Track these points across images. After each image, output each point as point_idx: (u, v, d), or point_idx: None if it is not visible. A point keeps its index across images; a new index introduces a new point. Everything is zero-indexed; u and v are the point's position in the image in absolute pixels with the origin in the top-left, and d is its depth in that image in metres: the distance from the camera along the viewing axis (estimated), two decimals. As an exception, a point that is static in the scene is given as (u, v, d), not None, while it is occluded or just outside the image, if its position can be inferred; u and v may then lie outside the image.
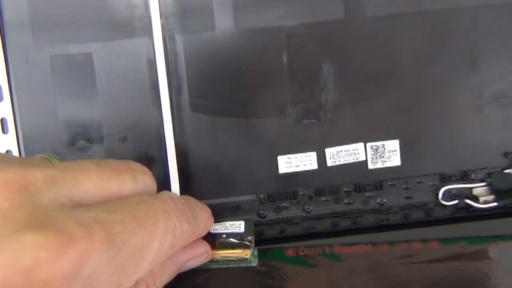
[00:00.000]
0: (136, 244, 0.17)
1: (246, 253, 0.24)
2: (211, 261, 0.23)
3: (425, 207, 0.27)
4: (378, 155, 0.26)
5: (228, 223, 0.25)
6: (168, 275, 0.21)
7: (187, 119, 0.26)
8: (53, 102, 0.26)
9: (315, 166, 0.27)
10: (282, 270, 0.23)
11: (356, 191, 0.27)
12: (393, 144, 0.26)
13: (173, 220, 0.19)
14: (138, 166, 0.21)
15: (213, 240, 0.24)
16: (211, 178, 0.27)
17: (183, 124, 0.26)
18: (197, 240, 0.22)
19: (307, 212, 0.27)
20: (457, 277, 0.22)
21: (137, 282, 0.19)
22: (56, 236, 0.15)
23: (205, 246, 0.23)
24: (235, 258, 0.24)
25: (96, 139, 0.26)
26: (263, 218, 0.27)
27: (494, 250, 0.24)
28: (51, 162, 0.19)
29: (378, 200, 0.27)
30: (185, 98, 0.26)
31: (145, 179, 0.20)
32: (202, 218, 0.22)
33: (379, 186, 0.27)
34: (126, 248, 0.16)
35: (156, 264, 0.19)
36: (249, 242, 0.24)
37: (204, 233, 0.23)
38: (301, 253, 0.24)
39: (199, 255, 0.22)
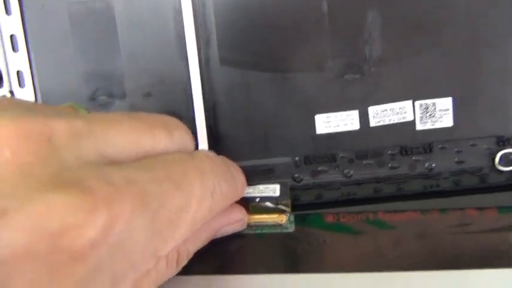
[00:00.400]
0: (172, 207, 0.15)
1: (281, 218, 0.22)
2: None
3: (480, 173, 0.24)
4: (428, 114, 0.24)
5: (261, 186, 0.23)
6: (201, 242, 0.19)
7: (217, 73, 0.24)
8: (72, 53, 0.24)
9: (356, 126, 0.24)
10: (321, 237, 0.21)
11: (402, 154, 0.24)
12: (445, 103, 0.24)
13: (212, 180, 0.17)
14: (175, 122, 0.18)
15: (246, 204, 0.22)
16: (243, 138, 0.24)
17: (212, 79, 0.24)
18: (233, 205, 0.20)
19: (346, 177, 0.25)
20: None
21: None
22: (85, 197, 0.13)
23: (242, 212, 0.21)
24: (270, 224, 0.22)
25: (118, 94, 0.24)
26: (298, 182, 0.25)
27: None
28: (78, 112, 0.17)
29: (426, 165, 0.24)
30: (214, 51, 0.24)
31: (182, 136, 0.18)
32: (239, 179, 0.20)
33: (428, 149, 0.24)
34: (162, 211, 0.15)
35: (193, 229, 0.17)
36: (285, 206, 0.22)
37: (240, 196, 0.21)
38: (342, 219, 0.22)
39: (236, 221, 0.21)
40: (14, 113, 0.14)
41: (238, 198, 0.21)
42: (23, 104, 0.16)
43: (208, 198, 0.17)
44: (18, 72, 0.24)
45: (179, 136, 0.18)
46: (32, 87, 0.24)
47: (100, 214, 0.13)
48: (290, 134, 0.24)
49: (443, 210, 0.22)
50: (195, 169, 0.16)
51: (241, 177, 0.20)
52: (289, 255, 0.21)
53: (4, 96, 0.24)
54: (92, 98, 0.25)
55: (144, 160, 0.16)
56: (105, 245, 0.13)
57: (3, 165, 0.13)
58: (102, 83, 0.24)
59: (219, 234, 0.20)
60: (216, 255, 0.20)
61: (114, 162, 0.15)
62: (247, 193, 0.22)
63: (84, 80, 0.24)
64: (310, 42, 0.24)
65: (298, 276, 0.20)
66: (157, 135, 0.17)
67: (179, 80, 0.24)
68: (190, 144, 0.19)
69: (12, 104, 0.15)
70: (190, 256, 0.19)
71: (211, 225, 0.19)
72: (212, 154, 0.19)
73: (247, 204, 0.22)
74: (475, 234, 0.21)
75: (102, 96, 0.25)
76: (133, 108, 0.25)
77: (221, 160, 0.19)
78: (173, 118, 0.19)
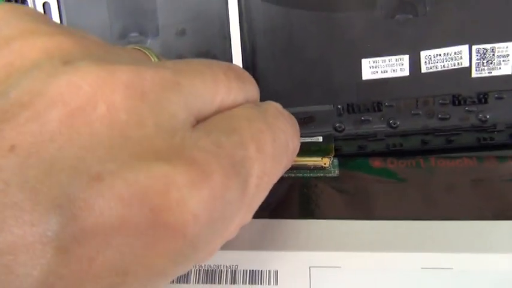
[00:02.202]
0: (258, 173, 0.13)
1: (324, 161, 0.20)
2: (287, 169, 0.20)
3: (539, 127, 0.22)
4: (486, 60, 0.22)
5: (303, 133, 0.22)
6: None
7: (257, 10, 0.22)
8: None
9: (406, 72, 0.22)
10: (368, 182, 0.20)
11: (454, 104, 0.23)
12: (505, 48, 0.22)
13: (286, 138, 0.15)
14: (244, 72, 0.17)
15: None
16: (282, 83, 0.23)
17: (252, 16, 0.22)
18: None
19: (392, 127, 0.23)
20: None
21: None
22: (189, 169, 0.11)
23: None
24: (312, 167, 0.20)
25: (151, 31, 0.23)
26: (340, 131, 0.23)
27: None
28: (151, 58, 0.15)
29: (480, 116, 0.22)
30: (255, -15, 0.22)
31: (251, 88, 0.16)
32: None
33: (483, 98, 0.22)
34: (251, 179, 0.13)
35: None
36: (329, 150, 0.21)
37: None
38: (390, 165, 0.21)
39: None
40: (101, 57, 0.12)
41: None
42: (96, 43, 0.14)
43: (284, 156, 0.15)
44: (44, 4, 0.23)
45: (249, 87, 0.16)
46: (59, 21, 0.23)
47: (205, 189, 0.11)
48: (333, 79, 0.23)
49: (501, 159, 0.21)
50: (273, 127, 0.15)
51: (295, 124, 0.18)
52: (333, 200, 0.19)
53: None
54: (123, 36, 0.23)
55: (224, 118, 0.14)
56: (207, 222, 0.12)
57: (97, 122, 0.11)
58: (133, 18, 0.23)
59: None
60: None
61: (198, 119, 0.13)
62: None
63: (114, 15, 0.23)
64: (359, -22, 0.22)
65: (341, 222, 0.19)
66: (232, 86, 0.15)
67: (216, 17, 0.23)
68: (257, 95, 0.17)
69: (87, 43, 0.13)
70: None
71: None
72: (281, 107, 0.17)
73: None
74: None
75: (134, 33, 0.23)
76: (166, 46, 0.23)
77: (288, 114, 0.17)
78: (241, 68, 0.17)
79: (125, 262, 0.10)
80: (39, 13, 0.14)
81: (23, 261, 0.09)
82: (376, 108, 0.23)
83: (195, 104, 0.13)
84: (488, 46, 0.22)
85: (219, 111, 0.14)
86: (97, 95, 0.11)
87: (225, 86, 0.14)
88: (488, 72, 0.22)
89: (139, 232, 0.10)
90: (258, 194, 0.14)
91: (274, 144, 0.14)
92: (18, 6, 0.14)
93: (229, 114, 0.14)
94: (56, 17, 0.23)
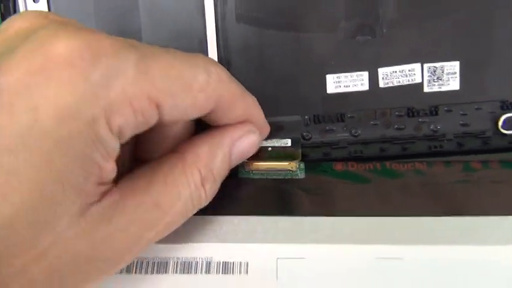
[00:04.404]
0: (162, 59, 0.17)
1: (292, 165, 0.22)
2: (258, 171, 0.22)
3: (483, 136, 0.25)
4: (436, 77, 0.25)
5: (274, 139, 0.24)
6: (219, 160, 0.19)
7: (232, 31, 0.25)
8: (90, 8, 0.25)
9: (366, 87, 0.25)
10: (331, 183, 0.22)
11: (408, 116, 0.25)
12: (453, 66, 0.25)
13: (205, 60, 0.18)
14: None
15: (258, 152, 0.23)
16: (255, 95, 0.25)
17: (227, 36, 0.25)
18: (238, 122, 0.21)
19: (354, 136, 0.25)
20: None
21: (185, 167, 0.18)
22: (79, 28, 0.15)
23: (249, 125, 0.21)
24: (281, 170, 0.22)
25: (135, 48, 0.25)
26: (307, 140, 0.25)
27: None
28: None
29: (432, 126, 0.25)
30: (231, 7, 0.25)
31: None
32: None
33: (434, 111, 0.25)
34: (149, 59, 0.16)
35: (196, 99, 0.18)
36: (296, 154, 0.23)
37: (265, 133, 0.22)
38: (350, 168, 0.23)
39: (245, 132, 0.21)
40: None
41: (252, 117, 0.21)
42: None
43: (202, 70, 0.18)
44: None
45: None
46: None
47: (88, 35, 0.15)
48: (301, 92, 0.25)
49: (447, 163, 0.23)
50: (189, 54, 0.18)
51: (251, 96, 0.21)
52: (299, 199, 0.22)
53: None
54: (109, 51, 0.25)
55: None
56: (92, 60, 0.15)
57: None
58: (119, 36, 0.25)
59: (237, 158, 0.21)
60: (230, 198, 0.21)
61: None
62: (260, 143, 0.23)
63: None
64: (324, 3, 0.24)
65: (306, 218, 0.21)
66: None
67: (196, 36, 0.25)
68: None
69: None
70: (217, 184, 0.19)
71: (219, 142, 0.20)
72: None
73: (260, 152, 0.23)
74: (478, 184, 0.22)
75: (119, 49, 0.25)
76: (149, 62, 0.25)
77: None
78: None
79: (34, 99, 0.14)
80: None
81: None
82: (340, 119, 0.25)
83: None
84: (438, 64, 0.25)
85: None
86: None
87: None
88: (438, 88, 0.25)
89: (39, 69, 0.14)
90: (161, 73, 0.16)
91: (185, 56, 0.18)
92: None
93: None
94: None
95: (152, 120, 0.16)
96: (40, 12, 0.17)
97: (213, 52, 0.25)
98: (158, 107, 0.16)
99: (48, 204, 0.14)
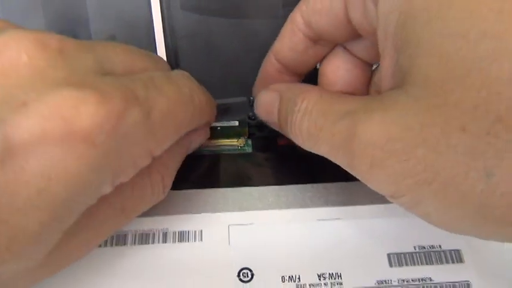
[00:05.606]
0: (163, 109, 0.17)
1: (240, 142, 0.24)
2: (209, 148, 0.24)
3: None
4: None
5: (223, 121, 0.26)
6: (177, 160, 0.21)
7: (178, 18, 0.26)
8: (38, -2, 0.25)
9: (307, 69, 0.27)
10: (276, 156, 0.24)
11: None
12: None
13: (190, 90, 0.19)
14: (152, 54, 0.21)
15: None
16: (202, 80, 0.26)
17: (173, 23, 0.26)
18: None
19: (296, 114, 0.27)
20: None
21: (151, 172, 0.19)
22: (94, 93, 0.14)
23: (204, 127, 0.23)
24: (230, 146, 0.24)
25: (84, 36, 0.26)
26: (253, 119, 0.27)
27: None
28: None
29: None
30: (175, -4, 0.26)
31: (165, 66, 0.21)
32: (212, 101, 0.22)
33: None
34: (154, 112, 0.16)
35: (180, 133, 0.19)
36: (243, 133, 0.25)
37: (212, 120, 0.23)
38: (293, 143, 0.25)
39: (199, 134, 0.23)
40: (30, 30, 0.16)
41: (210, 121, 0.23)
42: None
43: (190, 104, 0.19)
44: (-17, 13, 0.25)
45: (161, 65, 0.20)
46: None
47: (108, 106, 0.15)
48: (246, 76, 0.27)
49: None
50: (176, 78, 0.19)
51: (213, 101, 0.22)
52: (247, 172, 0.24)
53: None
54: (58, 40, 0.26)
55: (131, 74, 0.18)
56: (112, 133, 0.15)
57: (21, 67, 0.15)
58: (68, 25, 0.26)
59: (190, 150, 0.23)
60: (183, 174, 0.22)
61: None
62: (209, 123, 0.25)
63: (49, 23, 0.26)
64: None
65: (253, 188, 0.23)
66: (144, 59, 0.19)
67: (143, 24, 0.26)
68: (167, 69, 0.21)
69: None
70: (173, 178, 0.21)
71: (180, 144, 0.21)
72: (188, 74, 0.21)
73: (210, 131, 0.24)
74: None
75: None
76: (99, 50, 0.26)
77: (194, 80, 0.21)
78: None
79: (48, 167, 0.14)
80: None
81: None
82: (283, 99, 0.27)
83: (107, 63, 0.17)
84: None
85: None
86: (21, 49, 0.15)
87: (141, 61, 0.19)
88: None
89: (57, 140, 0.14)
90: (164, 126, 0.17)
91: (178, 92, 0.18)
92: None
93: (136, 73, 0.18)
94: (-6, 25, 0.25)
95: (146, 165, 0.18)
96: (35, 40, 0.15)
97: (160, 40, 0.26)
98: (154, 155, 0.18)
99: (48, 246, 0.16)
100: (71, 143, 0.14)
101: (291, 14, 0.21)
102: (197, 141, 0.23)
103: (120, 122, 0.15)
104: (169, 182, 0.21)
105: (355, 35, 0.19)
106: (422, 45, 0.14)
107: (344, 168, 0.17)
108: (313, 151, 0.18)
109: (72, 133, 0.14)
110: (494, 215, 0.13)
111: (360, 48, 0.21)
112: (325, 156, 0.18)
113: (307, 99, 0.18)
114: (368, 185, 0.16)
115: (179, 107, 0.18)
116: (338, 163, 0.17)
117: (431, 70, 0.13)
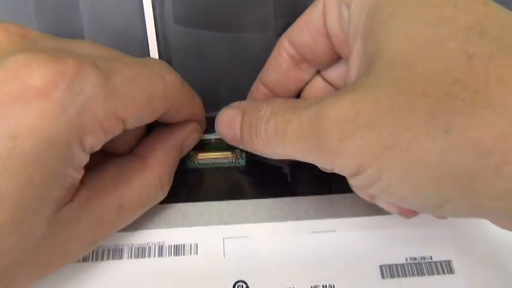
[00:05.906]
0: (125, 75, 0.17)
1: (234, 155, 0.25)
2: (203, 161, 0.24)
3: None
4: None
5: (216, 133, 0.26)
6: (172, 158, 0.21)
7: (172, 31, 0.26)
8: (32, 11, 0.25)
9: (297, 81, 0.27)
10: (270, 170, 0.24)
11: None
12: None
13: (160, 68, 0.19)
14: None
15: (202, 145, 0.25)
16: (196, 91, 0.27)
17: (168, 36, 0.26)
18: (184, 121, 0.23)
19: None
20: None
21: (145, 168, 0.20)
22: (48, 55, 0.16)
23: (194, 124, 0.23)
24: (224, 159, 0.25)
25: (78, 50, 0.26)
26: (246, 131, 0.27)
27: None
28: None
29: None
30: (169, 10, 0.26)
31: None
32: (195, 96, 0.23)
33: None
34: (115, 78, 0.17)
35: (156, 106, 0.19)
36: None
37: (198, 114, 0.23)
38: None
39: (191, 131, 0.23)
40: None
41: (196, 116, 0.23)
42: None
43: (159, 78, 0.19)
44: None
45: None
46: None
47: (62, 65, 0.16)
48: (239, 88, 0.27)
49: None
50: (142, 60, 0.19)
51: (197, 97, 0.23)
52: (242, 185, 0.24)
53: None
54: (52, 54, 0.26)
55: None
56: (67, 89, 0.16)
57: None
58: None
59: (184, 152, 0.23)
60: (178, 187, 0.23)
61: None
62: (204, 136, 0.25)
63: (44, 36, 0.26)
64: (255, 5, 0.27)
65: (248, 201, 0.23)
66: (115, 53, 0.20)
67: (137, 38, 0.26)
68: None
69: None
70: (171, 177, 0.21)
71: (172, 142, 0.22)
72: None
73: (204, 145, 0.25)
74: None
75: (62, 51, 0.26)
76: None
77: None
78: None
79: (13, 126, 0.15)
80: None
81: None
82: (275, 111, 0.28)
83: (70, 50, 0.18)
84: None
85: None
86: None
87: (105, 52, 0.20)
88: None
89: (16, 98, 0.15)
90: (128, 91, 0.17)
91: (144, 66, 0.19)
92: None
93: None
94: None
95: (118, 132, 0.18)
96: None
97: (154, 52, 0.26)
98: (124, 121, 0.18)
99: (29, 216, 0.16)
100: (28, 99, 0.15)
101: (280, 38, 0.22)
102: (191, 139, 0.23)
103: (74, 79, 0.16)
104: (166, 180, 0.21)
105: (332, 54, 0.21)
106: (389, 30, 0.15)
107: (310, 161, 0.17)
108: (278, 153, 0.18)
109: (27, 89, 0.15)
110: (453, 170, 0.14)
111: (336, 75, 0.22)
112: (292, 154, 0.18)
113: (271, 104, 0.19)
114: (334, 167, 0.16)
115: (146, 78, 0.18)
116: (305, 156, 0.17)
117: (396, 49, 0.15)
